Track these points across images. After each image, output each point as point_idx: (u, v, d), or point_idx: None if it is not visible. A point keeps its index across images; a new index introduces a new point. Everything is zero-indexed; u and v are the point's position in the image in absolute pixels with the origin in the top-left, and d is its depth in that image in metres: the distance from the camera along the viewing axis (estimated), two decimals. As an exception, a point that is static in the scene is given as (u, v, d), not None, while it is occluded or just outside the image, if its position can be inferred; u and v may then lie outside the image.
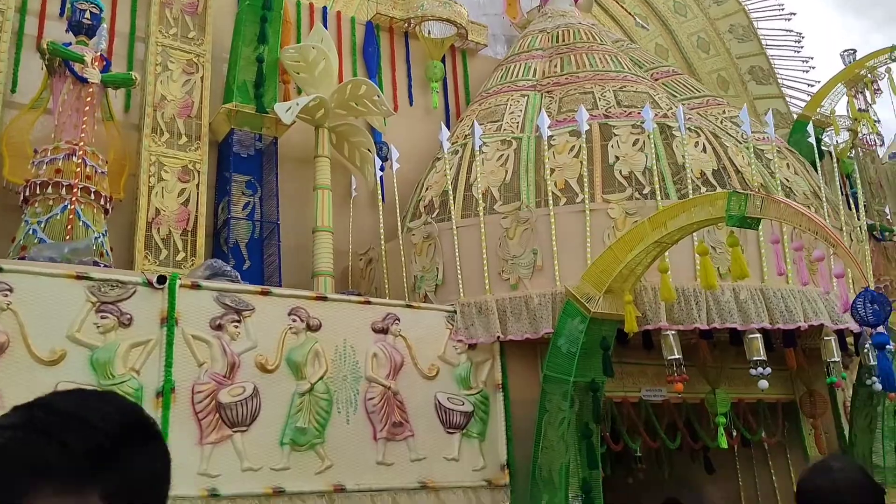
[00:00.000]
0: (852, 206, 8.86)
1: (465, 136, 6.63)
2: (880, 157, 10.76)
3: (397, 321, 5.40)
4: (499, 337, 5.58)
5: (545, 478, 5.25)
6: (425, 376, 5.41)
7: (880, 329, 3.68)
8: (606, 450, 6.03)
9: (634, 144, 5.99)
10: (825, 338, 5.68)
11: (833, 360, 5.63)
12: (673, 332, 5.28)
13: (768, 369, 5.34)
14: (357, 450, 4.99)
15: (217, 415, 4.62)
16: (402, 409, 5.22)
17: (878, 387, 6.10)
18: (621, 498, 8.91)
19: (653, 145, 5.88)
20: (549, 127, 5.92)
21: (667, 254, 4.97)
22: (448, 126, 7.19)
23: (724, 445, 6.19)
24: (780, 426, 6.98)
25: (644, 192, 5.70)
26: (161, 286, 4.67)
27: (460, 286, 5.80)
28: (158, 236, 6.01)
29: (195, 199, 6.21)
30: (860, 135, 10.39)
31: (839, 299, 3.85)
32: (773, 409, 7.04)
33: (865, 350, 6.10)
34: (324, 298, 5.26)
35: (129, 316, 4.54)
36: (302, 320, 5.07)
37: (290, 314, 5.06)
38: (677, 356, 5.24)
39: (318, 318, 5.13)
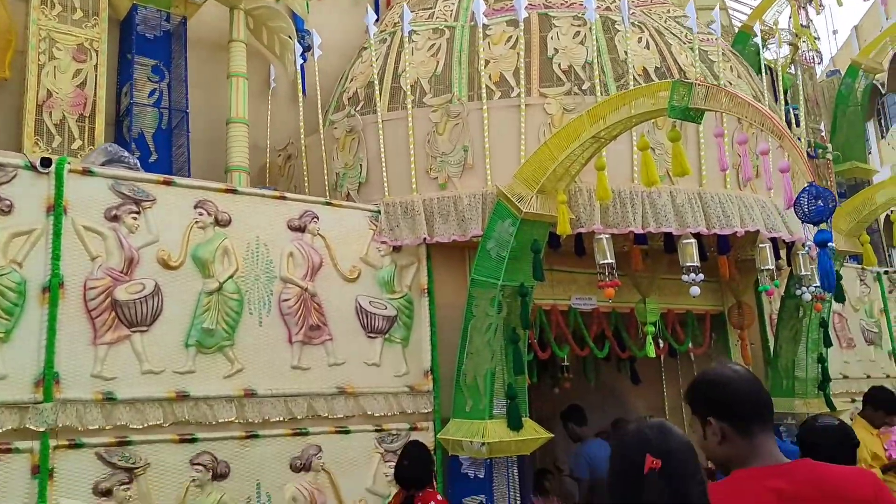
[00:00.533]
0: (792, 120, 8.76)
1: (395, 23, 6.12)
2: (818, 74, 10.67)
3: (316, 219, 5.00)
4: (425, 239, 5.25)
5: (470, 384, 5.04)
6: (346, 278, 5.06)
7: (823, 226, 3.48)
8: (534, 358, 5.86)
9: (575, 37, 5.61)
10: (760, 245, 5.56)
11: (767, 267, 5.52)
12: (607, 236, 5.05)
13: (701, 275, 5.18)
14: (270, 353, 4.66)
15: (113, 313, 4.20)
16: (319, 312, 4.89)
17: (807, 297, 6.07)
18: (547, 408, 8.92)
19: (594, 39, 5.51)
20: (484, 14, 5.47)
21: (604, 151, 4.68)
22: (377, 14, 6.65)
23: (652, 354, 6.10)
24: (708, 337, 6.95)
25: (583, 87, 5.36)
26: (46, 170, 4.14)
27: (385, 185, 5.41)
28: (51, 121, 5.41)
29: (93, 82, 5.59)
30: (800, 51, 10.23)
31: (783, 194, 3.62)
32: (702, 320, 6.99)
33: (799, 258, 6.04)
34: (234, 191, 4.80)
35: (8, 202, 4.03)
36: (209, 214, 4.63)
37: (196, 207, 4.60)
38: (610, 261, 5.02)
39: (228, 213, 4.70)
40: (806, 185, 3.52)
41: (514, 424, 4.88)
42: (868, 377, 8.11)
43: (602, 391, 8.04)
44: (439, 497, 4.17)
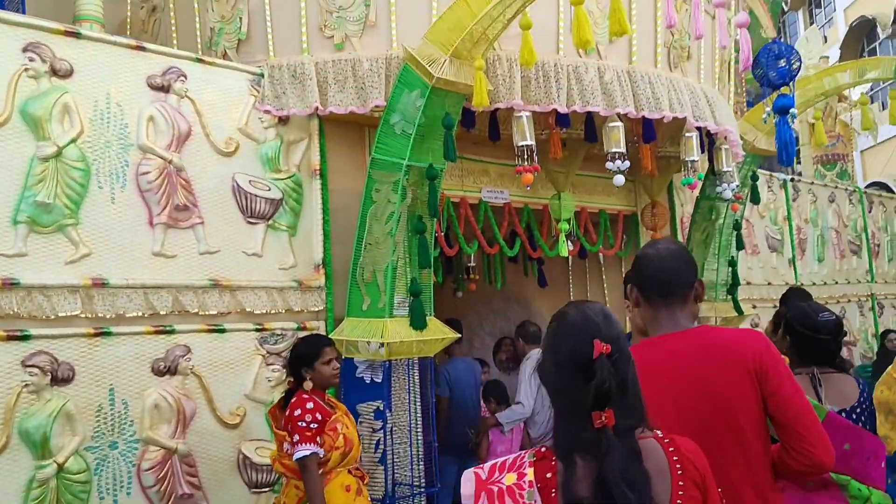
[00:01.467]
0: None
1: None
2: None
3: (183, 78, 4.14)
4: (317, 109, 4.49)
5: (368, 279, 4.41)
6: (221, 152, 4.26)
7: (785, 90, 2.98)
8: (440, 254, 5.29)
9: None
10: (686, 134, 5.11)
11: (692, 158, 5.08)
12: (527, 114, 4.44)
13: (627, 163, 4.68)
14: (126, 237, 3.86)
15: (-89, 179, 3.28)
16: (188, 191, 4.09)
17: (728, 195, 5.72)
18: (447, 313, 8.45)
19: None
20: None
21: (528, 11, 4.01)
22: None
23: (565, 253, 5.66)
24: (620, 238, 6.58)
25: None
26: None
27: (270, 43, 4.57)
28: None
29: None
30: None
31: (741, 55, 3.08)
32: (614, 220, 6.60)
33: (721, 152, 5.65)
34: (76, 35, 3.86)
35: None
36: (43, 61, 3.69)
37: (25, 51, 3.66)
38: (529, 142, 4.44)
39: (69, 62, 3.77)
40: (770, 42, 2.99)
41: (418, 323, 4.31)
42: (769, 284, 8.06)
43: (507, 295, 7.63)
44: (304, 396, 3.59)
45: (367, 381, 4.50)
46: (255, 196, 4.34)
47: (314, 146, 4.60)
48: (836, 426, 2.50)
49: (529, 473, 1.51)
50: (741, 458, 1.98)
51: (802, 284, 8.58)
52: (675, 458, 1.55)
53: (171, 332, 3.93)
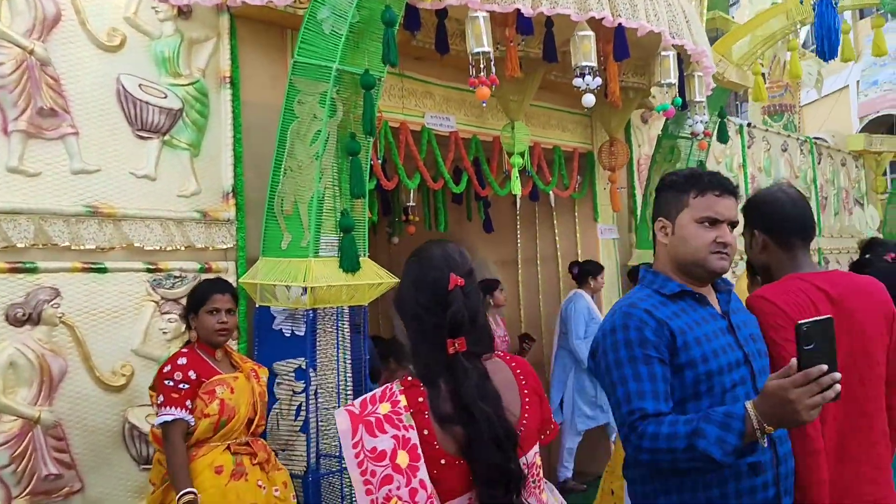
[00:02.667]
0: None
1: None
2: None
3: (49, -55, 3.22)
4: (227, 1, 3.63)
5: (288, 212, 3.64)
6: (101, 45, 3.37)
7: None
8: (376, 188, 4.53)
9: None
10: (663, 53, 4.44)
11: (669, 81, 4.43)
12: (484, 15, 3.69)
13: (598, 79, 4.00)
14: (-30, 147, 2.97)
15: None
16: (57, 91, 3.21)
17: (699, 128, 5.13)
18: (382, 260, 7.71)
19: None
20: None
21: None
22: None
23: (518, 191, 4.96)
24: (575, 178, 5.94)
25: None
26: None
27: (167, -87, 3.66)
28: None
29: None
30: None
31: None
32: (569, 158, 5.95)
33: (694, 79, 5.02)
34: None
35: None
36: None
37: None
38: (486, 49, 3.70)
39: None
40: None
41: (349, 264, 3.57)
42: (723, 234, 7.58)
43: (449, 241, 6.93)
44: (183, 350, 2.94)
45: (287, 335, 3.74)
46: (147, 104, 3.48)
47: (223, 48, 3.75)
48: None
49: (402, 400, 1.61)
50: (878, 392, 2.10)
51: (755, 236, 8.18)
52: (518, 371, 1.74)
53: (33, 270, 3.08)
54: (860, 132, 13.12)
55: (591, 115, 6.10)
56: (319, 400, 3.85)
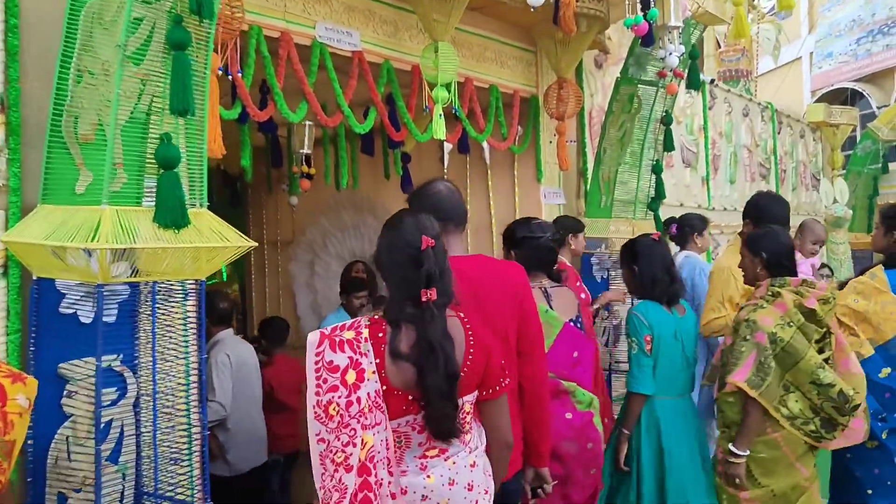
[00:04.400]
0: None
1: None
2: None
3: None
4: None
5: (87, 138, 2.41)
6: None
7: None
8: (241, 119, 3.29)
9: None
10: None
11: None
12: None
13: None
14: None
15: None
16: None
17: (674, 61, 4.05)
18: (284, 230, 6.48)
19: None
20: None
21: None
22: None
23: (442, 135, 3.80)
24: (515, 127, 4.80)
25: None
26: None
27: None
28: None
29: None
30: None
31: None
32: (509, 103, 4.80)
33: (670, 2, 3.92)
34: None
35: None
36: None
37: None
38: None
39: None
40: None
41: (168, 216, 2.35)
42: (681, 205, 6.58)
43: (358, 203, 5.74)
44: None
45: (85, 321, 2.50)
46: None
47: None
48: (571, 335, 2.91)
49: (365, 332, 1.94)
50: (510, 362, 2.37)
51: (714, 209, 7.24)
52: (469, 331, 2.03)
53: None
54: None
55: (536, 51, 4.97)
56: (143, 414, 2.64)
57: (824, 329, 2.96)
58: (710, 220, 5.28)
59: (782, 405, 2.89)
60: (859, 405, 2.91)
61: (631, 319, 3.22)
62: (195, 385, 2.63)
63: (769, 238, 3.13)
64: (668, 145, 5.02)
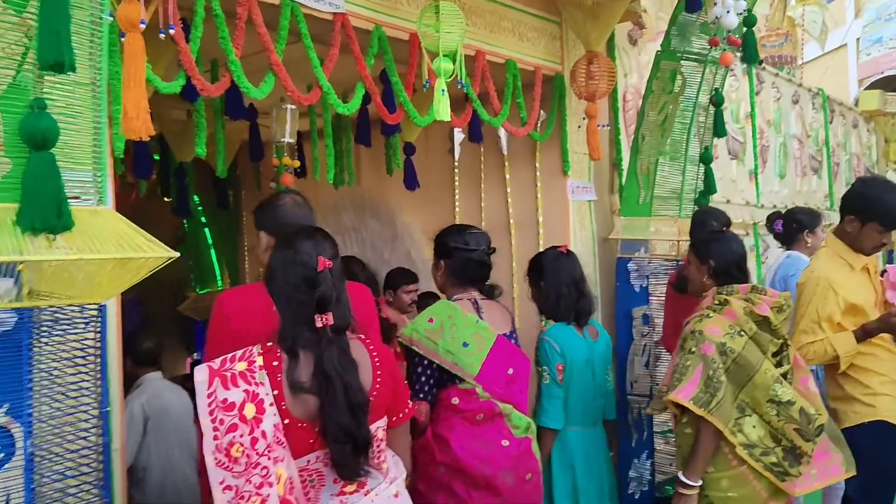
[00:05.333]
0: None
1: None
2: None
3: None
4: None
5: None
6: None
7: None
8: (182, 95, 2.60)
9: None
10: None
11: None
12: None
13: None
14: None
15: None
16: None
17: (733, 21, 3.31)
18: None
19: None
20: None
21: None
22: None
23: (445, 116, 3.10)
24: (537, 110, 4.07)
25: None
26: None
27: None
28: None
29: None
30: None
31: None
32: (530, 82, 4.08)
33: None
34: None
35: None
36: None
37: None
38: None
39: None
40: None
41: (38, 215, 1.66)
42: (728, 202, 5.78)
43: (358, 202, 5.05)
44: None
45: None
46: None
47: None
48: (506, 349, 2.66)
49: (259, 360, 1.76)
50: None
51: (762, 206, 6.43)
52: (374, 354, 1.92)
53: None
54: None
55: (560, 22, 4.24)
56: (35, 473, 1.98)
57: (781, 340, 2.68)
58: (823, 217, 4.57)
59: (738, 430, 2.58)
60: (822, 426, 2.61)
61: (542, 346, 2.96)
62: (95, 442, 1.94)
63: (719, 244, 2.85)
64: (719, 130, 4.26)
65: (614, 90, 4.50)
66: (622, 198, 4.49)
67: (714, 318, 2.65)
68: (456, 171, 4.77)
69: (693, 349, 2.61)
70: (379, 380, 1.89)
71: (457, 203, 4.77)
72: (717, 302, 2.71)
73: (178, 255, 1.88)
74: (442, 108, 3.09)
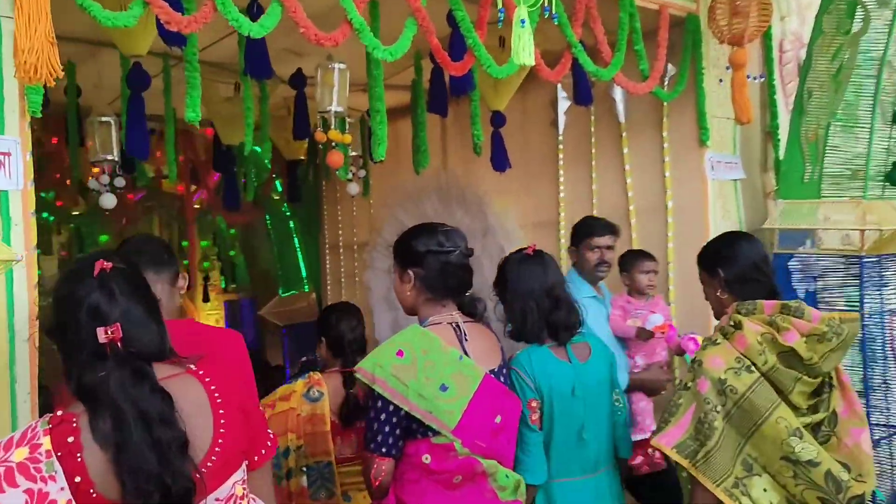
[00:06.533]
0: None
1: None
2: None
3: None
4: None
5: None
6: None
7: None
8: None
9: None
10: None
11: None
12: None
13: None
14: None
15: None
16: None
17: None
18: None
19: None
20: None
21: None
22: None
23: (529, 61, 2.23)
24: (663, 62, 3.09)
25: None
26: None
27: None
28: None
29: None
30: None
31: None
32: (652, 26, 3.10)
33: None
34: None
35: None
36: None
37: None
38: None
39: None
40: None
41: None
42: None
43: (441, 189, 4.24)
44: None
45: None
46: None
47: None
48: (493, 393, 2.11)
49: (45, 443, 1.31)
50: None
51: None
52: (213, 387, 1.45)
53: None
54: None
55: (694, -56, 3.24)
56: None
57: (818, 379, 2.13)
58: None
59: (741, 492, 2.11)
60: (861, 498, 2.10)
61: (510, 378, 2.29)
62: None
63: (726, 247, 2.34)
64: (921, 77, 3.12)
65: (767, 33, 3.44)
66: (780, 176, 3.47)
67: (720, 347, 2.17)
68: (560, 146, 3.83)
69: (689, 383, 2.17)
70: (223, 421, 1.43)
71: (561, 186, 3.84)
72: (731, 323, 2.20)
73: (18, 259, 1.16)
74: (523, 49, 2.22)
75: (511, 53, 2.24)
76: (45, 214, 6.61)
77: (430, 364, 2.01)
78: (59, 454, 1.30)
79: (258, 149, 3.35)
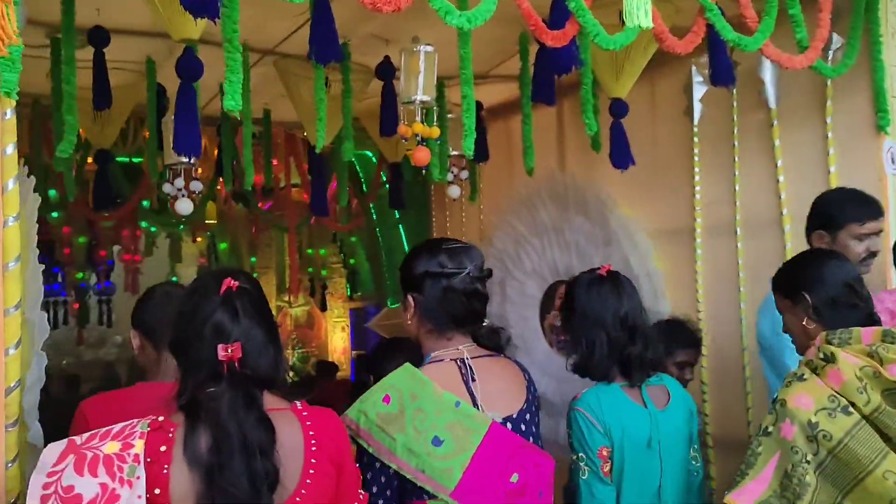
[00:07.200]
0: None
1: None
2: None
3: None
4: None
5: None
6: None
7: None
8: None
9: None
10: None
11: None
12: None
13: None
14: None
15: None
16: None
17: None
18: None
19: None
20: None
21: None
22: None
23: (646, 22, 1.73)
24: (825, 30, 2.47)
25: None
26: None
27: None
28: None
29: None
30: None
31: None
32: (812, -19, 2.48)
33: None
34: None
35: None
36: None
37: None
38: None
39: None
40: None
41: None
42: None
43: (556, 193, 3.78)
44: None
45: None
46: None
47: None
48: (505, 445, 1.78)
49: (138, 446, 1.32)
50: None
51: None
52: (311, 432, 1.44)
53: None
54: None
55: None
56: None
57: None
58: None
59: None
60: None
61: (573, 421, 2.01)
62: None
63: (811, 267, 1.99)
64: None
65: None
66: None
67: (808, 383, 1.88)
68: (695, 140, 3.25)
69: (770, 428, 1.87)
70: (312, 472, 1.39)
71: (696, 188, 3.24)
72: (821, 356, 1.90)
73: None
74: (638, 7, 1.71)
75: (626, 10, 1.75)
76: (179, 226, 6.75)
77: (420, 412, 1.72)
78: (148, 460, 1.30)
79: (349, 149, 3.01)
